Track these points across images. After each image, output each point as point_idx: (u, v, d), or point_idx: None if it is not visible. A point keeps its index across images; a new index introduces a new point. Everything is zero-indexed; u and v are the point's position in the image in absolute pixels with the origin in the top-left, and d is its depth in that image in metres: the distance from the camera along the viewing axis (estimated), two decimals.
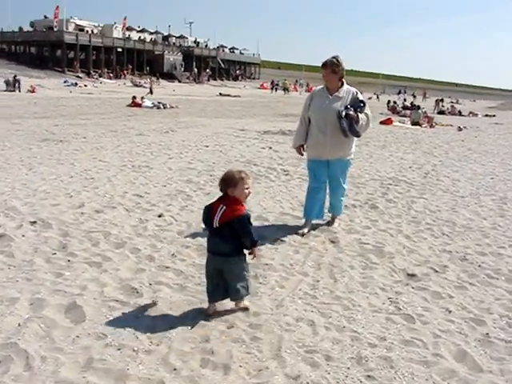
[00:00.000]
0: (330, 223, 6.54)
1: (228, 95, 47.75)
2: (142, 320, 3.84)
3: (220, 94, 48.94)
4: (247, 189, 3.88)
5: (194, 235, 5.82)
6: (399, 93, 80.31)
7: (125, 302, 4.10)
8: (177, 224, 6.25)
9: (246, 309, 4.09)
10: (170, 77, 72.08)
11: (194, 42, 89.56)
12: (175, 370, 3.26)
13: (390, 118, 24.90)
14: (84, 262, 4.91)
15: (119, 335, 3.60)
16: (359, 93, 6.20)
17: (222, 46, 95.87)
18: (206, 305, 4.05)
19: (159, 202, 7.23)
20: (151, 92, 39.72)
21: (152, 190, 7.93)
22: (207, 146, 13.08)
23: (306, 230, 6.19)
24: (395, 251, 5.63)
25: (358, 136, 6.11)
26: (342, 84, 6.10)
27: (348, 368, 3.35)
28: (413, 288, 4.67)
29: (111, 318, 3.84)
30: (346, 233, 6.27)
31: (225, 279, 3.93)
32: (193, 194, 7.79)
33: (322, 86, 6.23)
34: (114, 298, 4.17)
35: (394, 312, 4.16)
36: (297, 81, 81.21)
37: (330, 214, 6.64)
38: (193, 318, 3.91)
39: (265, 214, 6.82)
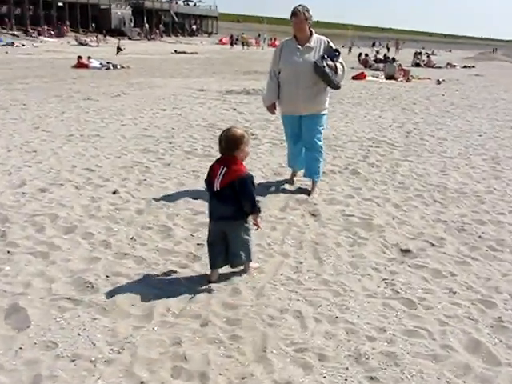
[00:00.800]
0: (308, 193, 6.40)
1: (184, 52, 46.63)
2: (100, 322, 3.49)
3: (175, 51, 47.80)
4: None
5: (155, 214, 5.55)
6: (373, 45, 79.21)
7: (78, 301, 3.74)
8: (135, 201, 5.95)
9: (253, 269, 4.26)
10: (118, 33, 69.89)
11: None
12: (142, 383, 2.93)
13: (362, 73, 24.65)
14: (27, 253, 4.52)
15: (72, 343, 3.24)
16: (331, 41, 6.24)
17: None
18: (174, 299, 3.78)
19: (113, 177, 6.91)
20: (120, 50, 38.70)
21: (104, 163, 7.60)
22: (164, 110, 12.73)
23: (291, 181, 6.72)
24: (385, 223, 5.46)
25: (339, 87, 6.21)
26: (311, 33, 6.16)
27: (346, 369, 3.08)
28: (409, 266, 4.47)
29: (62, 322, 3.48)
30: (327, 204, 6.07)
31: (227, 243, 4.06)
32: (151, 166, 7.52)
33: (290, 38, 6.27)
34: (65, 296, 3.80)
35: (392, 296, 3.94)
36: (259, 35, 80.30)
37: (308, 182, 6.57)
38: (160, 315, 3.59)
39: None
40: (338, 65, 6.11)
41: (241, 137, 3.96)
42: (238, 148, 3.94)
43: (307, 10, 6.03)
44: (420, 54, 43.07)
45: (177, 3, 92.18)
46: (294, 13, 6.01)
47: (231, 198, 3.93)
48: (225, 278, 4.14)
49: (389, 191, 6.56)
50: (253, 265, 4.30)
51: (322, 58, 6.00)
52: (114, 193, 6.23)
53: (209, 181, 4.07)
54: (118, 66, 26.34)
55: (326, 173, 7.19)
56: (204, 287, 3.99)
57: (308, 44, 6.10)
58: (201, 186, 6.57)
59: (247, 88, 17.66)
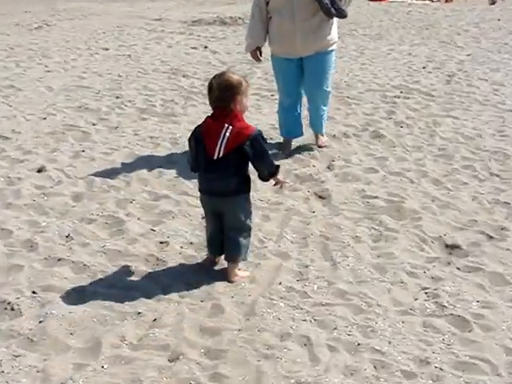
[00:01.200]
0: (318, 145, 6.96)
1: None
2: (24, 360, 3.44)
3: None
4: None
5: (99, 200, 5.58)
6: None
7: None
8: (70, 182, 6.00)
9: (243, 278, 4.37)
10: None
11: None
12: None
13: None
14: None
15: None
16: None
17: None
18: (130, 323, 3.78)
19: (37, 147, 6.94)
20: None
21: (24, 127, 7.63)
22: (107, 49, 12.72)
23: (286, 152, 6.83)
24: (421, 207, 5.48)
25: (344, 15, 6.44)
26: None
27: None
28: (458, 269, 4.50)
29: None
30: (339, 181, 6.13)
31: (224, 228, 4.33)
32: (91, 130, 7.57)
33: None
34: None
35: (436, 313, 3.95)
36: None
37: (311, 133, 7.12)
38: (111, 347, 3.57)
39: None
40: None
41: (238, 84, 4.14)
42: (236, 99, 4.12)
43: None
44: None
45: None
46: None
47: (234, 167, 4.17)
48: (201, 290, 4.13)
49: (425, 161, 6.59)
50: (241, 273, 4.39)
51: None
52: (39, 171, 6.24)
53: (204, 145, 4.17)
54: None
55: (337, 136, 7.21)
56: (172, 305, 3.97)
57: None
58: (162, 157, 6.55)
59: (222, 16, 17.64)
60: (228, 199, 4.23)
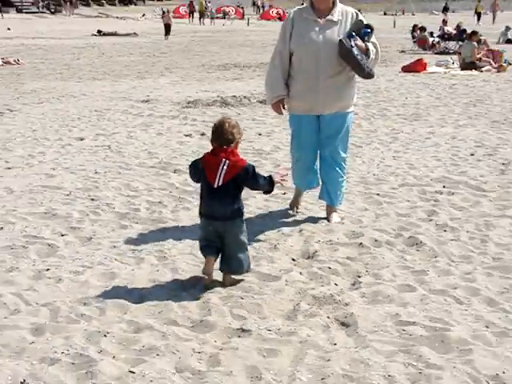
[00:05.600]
0: (327, 219, 8.01)
1: (114, 34, 48.08)
2: None
3: (99, 32, 49.12)
4: None
5: (66, 333, 5.43)
6: (445, 10, 76.04)
7: None
8: (29, 311, 5.88)
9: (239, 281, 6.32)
10: (2, 3, 71.17)
11: None
12: None
13: (420, 60, 25.16)
14: None
15: None
16: (360, 14, 7.59)
17: None
18: None
19: None
20: None
21: None
22: (82, 139, 12.92)
23: (299, 207, 8.41)
24: (472, 336, 5.38)
25: (371, 76, 7.50)
26: (334, 2, 7.47)
27: None
28: None
29: None
30: (367, 302, 6.08)
31: (225, 246, 6.15)
32: (59, 243, 7.55)
33: (303, 6, 7.68)
34: None
35: None
36: (239, 5, 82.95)
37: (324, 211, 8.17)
38: None
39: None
40: (370, 45, 7.40)
41: (239, 129, 6.09)
42: (236, 140, 6.04)
43: None
44: None
45: None
46: None
47: (232, 194, 6.05)
48: None
49: (476, 275, 6.54)
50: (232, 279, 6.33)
51: (350, 36, 7.20)
52: None
53: (205, 177, 6.03)
54: (0, 62, 26.60)
55: (365, 244, 7.24)
56: None
57: (330, 17, 7.38)
58: (146, 276, 6.49)
59: (223, 95, 18.01)
60: (227, 223, 6.06)
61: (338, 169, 7.82)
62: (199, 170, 6.08)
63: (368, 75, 7.37)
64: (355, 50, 7.10)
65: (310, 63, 7.31)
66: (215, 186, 5.89)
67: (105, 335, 5.37)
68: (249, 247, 6.46)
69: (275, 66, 7.56)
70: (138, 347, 5.21)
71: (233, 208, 6.02)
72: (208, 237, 6.14)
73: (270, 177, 6.17)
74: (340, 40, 7.14)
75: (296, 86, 7.49)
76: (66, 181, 9.89)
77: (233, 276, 6.28)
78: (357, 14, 7.46)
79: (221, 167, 5.87)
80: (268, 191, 6.29)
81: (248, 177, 5.95)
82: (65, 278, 6.49)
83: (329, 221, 7.92)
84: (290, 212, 8.33)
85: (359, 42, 7.22)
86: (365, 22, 7.37)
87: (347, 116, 7.66)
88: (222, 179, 5.87)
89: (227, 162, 5.87)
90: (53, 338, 5.36)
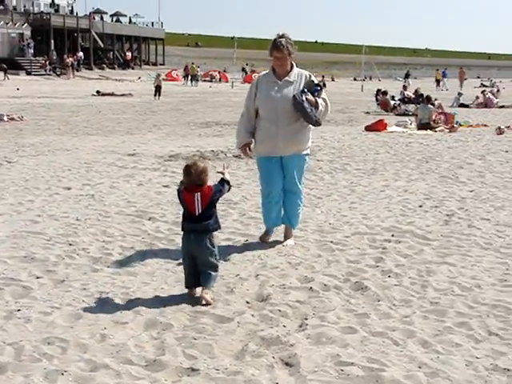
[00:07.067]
0: (283, 241, 9.27)
1: (111, 94, 49.83)
2: None
3: (97, 92, 50.97)
4: None
5: (26, 371, 5.52)
6: (407, 76, 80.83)
7: None
8: None
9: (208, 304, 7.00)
10: (10, 66, 71.52)
11: (51, 5, 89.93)
12: None
13: (381, 121, 26.18)
14: None
15: None
16: (312, 75, 9.00)
17: (99, 12, 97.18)
18: None
19: None
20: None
21: None
22: (69, 189, 13.10)
23: (267, 240, 9.34)
24: (404, 376, 5.45)
25: (319, 124, 8.86)
26: (292, 67, 8.84)
27: None
28: None
29: None
30: (312, 343, 6.15)
31: (197, 263, 7.12)
32: (34, 285, 7.63)
33: (266, 72, 9.07)
34: None
35: None
36: (225, 70, 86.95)
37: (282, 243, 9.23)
38: None
39: None
40: (320, 100, 8.79)
41: (205, 171, 7.02)
42: (206, 178, 7.04)
43: (291, 44, 8.61)
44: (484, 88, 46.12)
45: (102, 19, 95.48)
46: (277, 47, 8.56)
47: (210, 214, 7.09)
48: None
49: (413, 318, 6.68)
50: (208, 296, 7.05)
51: (302, 92, 8.62)
52: None
53: (186, 207, 7.09)
54: (5, 118, 26.95)
55: (314, 289, 7.38)
56: None
57: (287, 78, 8.79)
58: (108, 316, 6.65)
59: (203, 149, 18.54)
60: (203, 237, 7.07)
61: (296, 197, 9.22)
62: (181, 200, 7.16)
63: (316, 123, 8.78)
64: (305, 104, 8.51)
65: (270, 115, 8.74)
66: (196, 214, 7.01)
67: (62, 373, 5.44)
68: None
69: (243, 119, 9.12)
70: None
71: (213, 221, 7.12)
72: (186, 259, 7.20)
73: (222, 179, 7.31)
74: (294, 95, 8.54)
75: (260, 133, 8.90)
76: (48, 227, 9.99)
77: (206, 296, 7.02)
78: (310, 76, 8.91)
79: (196, 199, 6.96)
80: (227, 189, 7.39)
81: (218, 195, 7.17)
82: (34, 319, 6.55)
83: (284, 245, 9.11)
84: (251, 256, 8.77)
85: (310, 96, 8.64)
86: (315, 82, 8.95)
87: (303, 157, 9.11)
88: (201, 208, 6.99)
89: (199, 193, 6.96)
90: (13, 377, 5.41)
